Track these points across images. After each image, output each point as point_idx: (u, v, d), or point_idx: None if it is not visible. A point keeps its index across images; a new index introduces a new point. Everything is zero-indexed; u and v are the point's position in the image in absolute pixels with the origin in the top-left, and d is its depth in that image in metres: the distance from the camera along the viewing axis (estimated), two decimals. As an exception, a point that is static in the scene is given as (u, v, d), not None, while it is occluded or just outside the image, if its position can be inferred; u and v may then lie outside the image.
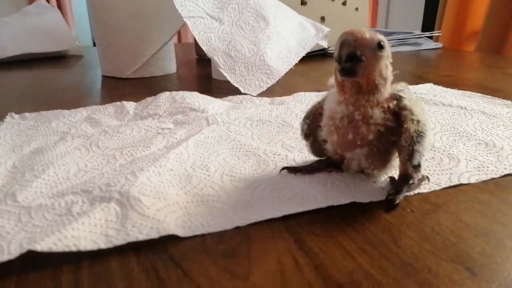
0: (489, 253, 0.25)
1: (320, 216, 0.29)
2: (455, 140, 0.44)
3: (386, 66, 0.30)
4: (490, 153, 0.41)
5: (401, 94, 0.31)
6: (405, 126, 0.30)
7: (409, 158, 0.30)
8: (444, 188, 0.34)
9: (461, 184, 0.34)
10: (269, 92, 0.66)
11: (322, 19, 1.01)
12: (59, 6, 2.74)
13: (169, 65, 0.84)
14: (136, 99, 0.58)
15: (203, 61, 1.03)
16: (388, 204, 0.31)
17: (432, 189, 0.33)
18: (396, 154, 0.33)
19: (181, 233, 0.27)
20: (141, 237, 0.26)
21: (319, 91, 0.67)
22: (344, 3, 1.06)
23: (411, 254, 0.25)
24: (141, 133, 0.46)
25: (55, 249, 0.25)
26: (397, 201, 0.30)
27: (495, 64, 0.94)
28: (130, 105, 0.55)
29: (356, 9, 1.10)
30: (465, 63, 1.03)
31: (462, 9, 1.52)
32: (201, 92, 0.60)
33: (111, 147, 0.43)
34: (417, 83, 0.72)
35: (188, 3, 0.65)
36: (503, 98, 0.60)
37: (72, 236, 0.26)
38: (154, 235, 0.26)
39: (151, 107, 0.54)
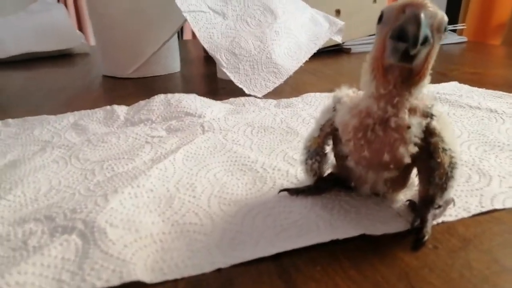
0: (537, 312, 0.20)
1: (321, 253, 0.24)
2: (486, 151, 0.38)
3: None
4: (527, 167, 0.35)
5: (433, 112, 0.25)
6: (438, 160, 0.24)
7: (442, 193, 0.25)
8: (474, 215, 0.28)
9: (495, 210, 0.28)
10: (276, 93, 0.61)
11: (337, 12, 0.95)
12: (75, 1, 2.72)
13: (172, 63, 0.80)
14: (133, 101, 0.54)
15: (210, 59, 0.97)
16: (415, 241, 0.25)
17: (460, 216, 0.28)
18: (414, 171, 0.28)
19: (148, 278, 0.22)
20: (99, 284, 0.21)
21: (331, 91, 0.61)
22: (360, -5, 0.99)
23: (435, 312, 0.20)
24: (128, 143, 0.42)
25: (-9, 301, 0.20)
26: (426, 237, 0.25)
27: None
28: (121, 110, 0.51)
29: (375, 1, 1.03)
30: (492, 58, 0.95)
31: (488, 2, 1.43)
32: (204, 92, 0.56)
33: (92, 160, 0.38)
34: (440, 82, 0.66)
35: (189, -3, 0.60)
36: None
37: (17, 283, 0.21)
38: (115, 281, 0.21)
39: (144, 112, 0.49)
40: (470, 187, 0.31)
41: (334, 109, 0.27)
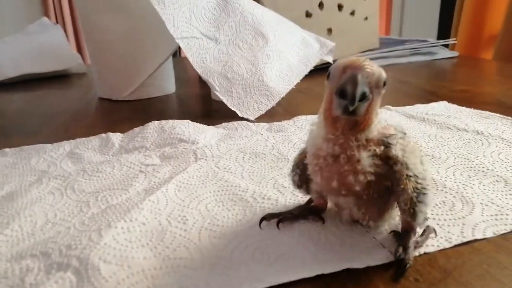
0: None
1: (306, 285, 0.25)
2: (470, 177, 0.39)
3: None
4: (510, 193, 0.36)
5: (389, 140, 0.26)
6: (402, 186, 0.26)
7: (412, 219, 0.26)
8: (455, 246, 0.29)
9: (476, 240, 0.29)
10: (269, 115, 0.62)
11: (329, 31, 0.97)
12: (73, 22, 2.74)
13: (167, 85, 0.81)
14: (129, 125, 0.55)
15: (206, 77, 0.99)
16: (397, 269, 0.26)
17: (441, 246, 0.29)
18: (395, 202, 0.29)
19: (138, 317, 0.23)
20: (91, 324, 0.22)
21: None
22: (352, 13, 1.01)
23: None
24: (122, 172, 0.43)
25: None
26: (408, 264, 0.26)
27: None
28: (116, 137, 0.52)
29: (366, 18, 1.05)
30: (482, 74, 0.97)
31: (479, 15, 1.45)
32: (198, 114, 0.57)
33: (87, 191, 0.39)
34: (430, 101, 0.67)
35: (181, 23, 0.61)
36: (524, 119, 0.55)
37: (12, 323, 0.22)
38: (106, 321, 0.22)
39: (138, 139, 0.50)
40: (453, 215, 0.32)
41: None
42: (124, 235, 0.30)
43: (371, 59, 1.09)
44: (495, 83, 0.85)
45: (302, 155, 0.31)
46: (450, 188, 0.37)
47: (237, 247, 0.29)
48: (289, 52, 0.70)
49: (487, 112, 0.59)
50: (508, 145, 0.46)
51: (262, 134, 0.53)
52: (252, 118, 0.61)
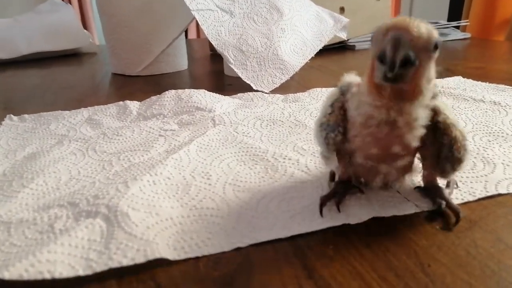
0: (540, 284, 0.21)
1: (334, 235, 0.25)
2: (490, 141, 0.39)
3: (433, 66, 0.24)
4: (531, 155, 0.36)
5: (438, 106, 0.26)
6: (453, 135, 0.25)
7: (458, 166, 0.26)
8: (479, 199, 0.29)
9: (500, 195, 0.29)
10: (283, 89, 0.62)
11: (342, 9, 0.96)
12: (80, 1, 2.74)
13: (180, 61, 0.81)
14: (143, 97, 0.55)
15: (217, 57, 0.99)
16: (445, 218, 0.27)
17: (465, 199, 0.29)
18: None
19: (171, 256, 0.23)
20: (125, 261, 0.23)
21: (336, 86, 0.62)
22: (364, -7, 1.00)
23: (443, 284, 0.21)
24: (142, 136, 0.43)
25: (26, 276, 0.22)
26: (460, 212, 0.26)
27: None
28: (133, 105, 0.52)
29: (378, -2, 1.04)
30: (495, 53, 0.96)
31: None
32: (211, 89, 0.57)
33: (109, 152, 0.39)
34: (444, 76, 0.67)
35: (197, -5, 0.61)
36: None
37: (48, 260, 0.23)
38: (140, 259, 0.23)
39: (156, 107, 0.50)
40: (475, 174, 0.32)
41: (342, 92, 0.27)
42: (150, 187, 0.31)
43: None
44: (508, 61, 0.84)
45: (335, 114, 0.27)
46: (470, 150, 0.37)
47: (262, 200, 0.29)
48: (303, 27, 0.70)
49: (503, 85, 0.59)
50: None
51: (277, 104, 0.53)
52: (266, 90, 0.61)
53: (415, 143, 0.25)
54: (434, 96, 0.26)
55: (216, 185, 0.32)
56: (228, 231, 0.26)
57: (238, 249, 0.24)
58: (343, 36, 0.77)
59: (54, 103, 0.59)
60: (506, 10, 1.42)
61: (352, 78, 0.28)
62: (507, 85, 0.59)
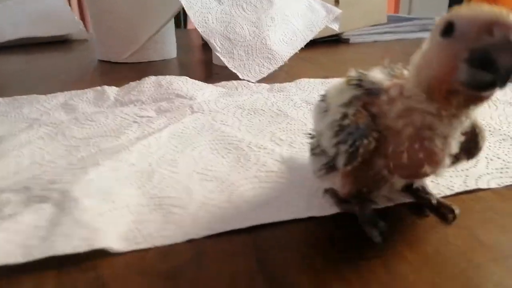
0: (508, 284, 0.19)
1: (298, 228, 0.24)
2: (476, 135, 0.38)
3: None
4: (517, 151, 0.34)
5: None
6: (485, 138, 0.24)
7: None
8: (458, 194, 0.27)
9: (480, 189, 0.28)
10: (271, 79, 0.60)
11: (336, 2, 0.94)
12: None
13: (169, 49, 0.79)
14: (128, 83, 0.53)
15: (208, 46, 0.97)
16: (439, 214, 0.25)
17: (443, 194, 0.27)
18: None
19: (120, 246, 0.22)
20: (68, 249, 0.21)
21: (326, 77, 0.60)
22: (361, -15, 0.98)
23: (404, 283, 0.19)
24: (116, 122, 0.41)
25: (-42, 263, 0.20)
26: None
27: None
28: (111, 90, 0.50)
29: (375, -9, 1.02)
30: None
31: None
32: (198, 78, 0.55)
33: (78, 137, 0.38)
34: None
35: (183, -20, 0.59)
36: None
37: (-14, 246, 0.21)
38: (83, 248, 0.21)
39: (134, 93, 0.49)
40: (456, 168, 0.31)
41: (369, 92, 0.22)
42: (112, 173, 0.29)
43: (378, 33, 1.04)
44: None
45: (364, 117, 0.21)
46: (454, 144, 0.35)
47: (227, 189, 0.28)
48: (294, 16, 0.68)
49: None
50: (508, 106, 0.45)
51: (262, 94, 0.51)
52: (253, 80, 0.59)
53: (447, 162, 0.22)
54: None
55: (182, 173, 0.30)
56: (184, 222, 0.24)
57: (192, 241, 0.22)
58: (335, 27, 0.75)
59: (34, 88, 0.58)
60: (506, 6, 1.40)
61: (378, 75, 0.23)
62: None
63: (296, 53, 0.66)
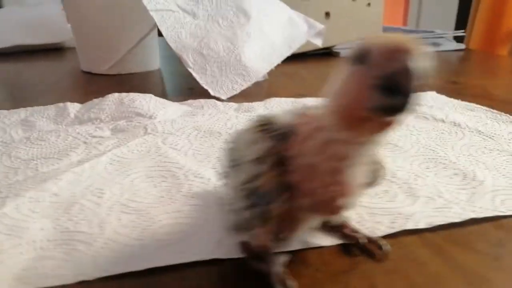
0: None
1: (206, 271, 0.23)
2: (428, 168, 0.36)
3: None
4: (464, 188, 0.33)
5: None
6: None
7: None
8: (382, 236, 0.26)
9: (406, 232, 0.27)
10: (244, 96, 0.59)
11: (327, 15, 0.93)
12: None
13: (151, 61, 0.79)
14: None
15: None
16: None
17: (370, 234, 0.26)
18: None
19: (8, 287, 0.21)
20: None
21: (300, 96, 0.59)
22: (353, -2, 0.97)
23: None
24: (65, 142, 0.41)
25: None
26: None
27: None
28: (73, 107, 0.50)
29: (368, 4, 1.00)
30: (484, 68, 0.92)
31: (496, 9, 1.37)
32: (176, 92, 0.55)
33: (23, 158, 0.38)
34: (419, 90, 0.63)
35: (157, -5, 0.59)
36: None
37: None
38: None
39: (95, 110, 0.48)
40: (391, 205, 0.30)
41: (281, 137, 0.21)
42: (30, 204, 0.29)
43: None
44: (494, 77, 0.80)
45: (272, 177, 0.20)
46: (399, 178, 0.34)
47: (142, 224, 0.27)
48: (272, 32, 0.67)
49: (473, 104, 0.55)
50: (483, 139, 0.43)
51: (227, 113, 0.51)
52: (224, 97, 0.58)
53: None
54: None
55: (104, 205, 0.29)
56: (83, 260, 0.23)
57: (83, 282, 0.22)
58: (318, 43, 0.74)
59: (5, 100, 0.58)
60: (509, 22, 1.36)
61: (286, 116, 0.22)
62: (480, 103, 0.55)
63: (280, 68, 0.65)
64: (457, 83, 0.70)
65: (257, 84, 0.64)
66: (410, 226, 0.27)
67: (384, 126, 0.18)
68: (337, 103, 0.19)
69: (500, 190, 0.32)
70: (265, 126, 0.22)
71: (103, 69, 0.74)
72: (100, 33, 0.71)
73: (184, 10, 0.61)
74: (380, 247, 0.24)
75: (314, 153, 0.20)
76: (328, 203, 0.21)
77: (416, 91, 0.17)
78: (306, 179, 0.20)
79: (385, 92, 0.17)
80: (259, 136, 0.21)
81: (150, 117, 0.48)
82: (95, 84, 0.68)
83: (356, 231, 0.26)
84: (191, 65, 0.60)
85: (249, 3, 0.65)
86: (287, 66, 0.68)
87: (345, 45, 0.98)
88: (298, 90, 0.65)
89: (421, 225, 0.27)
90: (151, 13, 0.58)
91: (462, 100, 0.58)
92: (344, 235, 0.26)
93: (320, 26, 0.72)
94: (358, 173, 0.21)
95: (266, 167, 0.20)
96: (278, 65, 0.68)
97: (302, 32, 0.70)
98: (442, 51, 1.02)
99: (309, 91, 0.63)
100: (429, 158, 0.38)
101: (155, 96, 0.52)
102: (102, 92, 0.60)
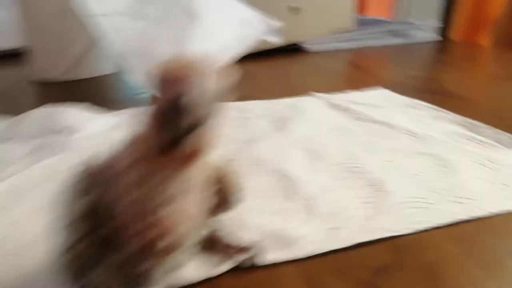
0: None
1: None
2: (341, 179, 0.35)
3: None
4: (369, 202, 0.31)
5: None
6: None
7: None
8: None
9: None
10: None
11: (293, 9, 0.91)
12: None
13: (106, 65, 0.77)
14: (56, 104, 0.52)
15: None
16: None
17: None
18: None
19: None
20: None
21: (244, 99, 0.58)
22: (321, -10, 0.94)
23: None
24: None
25: None
26: None
27: (479, 63, 0.80)
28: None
29: (338, -4, 0.98)
30: (448, 59, 0.88)
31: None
32: (118, 98, 0.53)
33: None
34: (373, 87, 0.61)
35: (93, 1, 0.57)
36: (456, 106, 0.49)
37: None
38: None
39: (15, 128, 0.47)
40: (285, 224, 0.28)
41: (89, 188, 0.20)
42: None
43: (341, 41, 1.01)
44: (453, 69, 0.76)
45: (85, 246, 0.20)
46: (306, 193, 0.32)
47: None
48: (223, 32, 0.65)
49: (417, 102, 0.53)
50: (414, 141, 0.41)
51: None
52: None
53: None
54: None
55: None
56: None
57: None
58: (275, 40, 0.72)
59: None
60: (494, 10, 1.31)
61: (113, 156, 0.21)
62: (430, 98, 0.53)
63: (242, 68, 0.63)
64: (416, 77, 0.68)
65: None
66: (292, 255, 0.25)
67: (184, 158, 0.18)
68: (146, 135, 0.18)
69: (407, 203, 0.31)
70: (83, 181, 0.21)
71: (56, 74, 0.72)
72: (52, 38, 0.70)
73: (126, 14, 0.60)
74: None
75: (129, 193, 0.19)
76: (154, 244, 0.19)
77: (188, 126, 0.16)
78: (128, 222, 0.19)
79: (170, 120, 0.17)
80: (74, 195, 0.21)
81: (72, 133, 0.45)
82: (46, 92, 0.67)
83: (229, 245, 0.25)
84: (132, 69, 0.58)
85: (198, 4, 0.63)
86: (251, 65, 0.67)
87: (314, 40, 0.96)
88: (247, 91, 0.63)
89: (303, 254, 0.26)
90: (86, 20, 0.57)
91: (415, 95, 0.56)
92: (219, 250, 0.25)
93: (276, 24, 0.70)
94: (187, 204, 0.19)
95: (78, 236, 0.20)
96: (239, 64, 0.67)
97: (256, 31, 0.68)
98: (414, 43, 0.99)
99: (257, 92, 0.61)
100: (347, 167, 0.37)
101: (84, 109, 0.51)
102: (52, 100, 0.59)
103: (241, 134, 0.45)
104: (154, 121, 0.17)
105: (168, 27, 0.61)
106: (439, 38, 1.05)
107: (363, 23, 1.07)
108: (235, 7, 0.69)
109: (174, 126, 0.16)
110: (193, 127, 0.16)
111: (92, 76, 0.75)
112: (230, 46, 0.65)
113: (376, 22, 1.10)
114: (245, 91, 0.63)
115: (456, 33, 1.35)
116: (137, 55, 0.59)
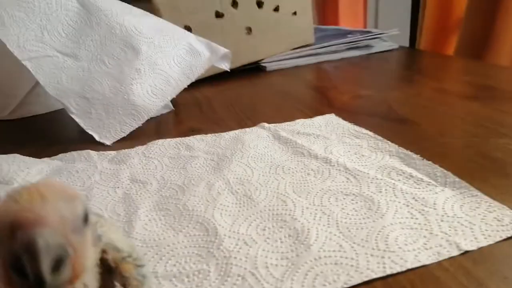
0: None
1: None
2: (262, 230, 0.34)
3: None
4: (286, 258, 0.30)
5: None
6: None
7: None
8: None
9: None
10: (137, 137, 0.57)
11: (249, 29, 0.90)
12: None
13: (54, 101, 0.76)
14: (4, 146, 0.53)
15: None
16: None
17: None
18: None
19: None
20: None
21: (192, 133, 0.57)
22: (276, 9, 0.93)
23: None
24: None
25: None
26: None
27: (437, 75, 0.80)
28: None
29: (294, 13, 0.98)
30: (403, 73, 0.89)
31: (443, 4, 1.33)
32: (77, 132, 0.53)
33: None
34: (322, 112, 0.61)
35: (30, 42, 0.56)
36: (400, 131, 0.49)
37: None
38: None
39: None
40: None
41: None
42: None
43: (300, 57, 1.01)
44: (407, 86, 0.75)
45: None
46: (223, 251, 0.32)
47: None
48: (168, 64, 0.64)
49: (360, 129, 0.53)
50: (345, 180, 0.41)
51: (97, 168, 0.48)
52: (108, 142, 0.56)
53: None
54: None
55: None
56: None
57: None
58: (224, 67, 0.72)
59: None
60: (455, 20, 1.32)
61: None
62: (375, 124, 0.53)
63: (191, 93, 0.63)
64: (367, 98, 0.68)
65: (153, 120, 0.62)
66: None
67: None
68: None
69: (324, 258, 0.30)
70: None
71: (3, 115, 0.71)
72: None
73: (64, 54, 0.59)
74: None
75: None
76: None
77: (53, 265, 0.15)
78: None
79: (16, 271, 0.15)
80: None
81: (7, 183, 0.45)
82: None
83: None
84: (73, 110, 0.57)
85: (137, 37, 0.63)
86: (204, 91, 0.66)
87: (273, 58, 0.95)
88: (195, 123, 0.63)
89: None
90: (24, 62, 0.56)
91: (362, 121, 0.56)
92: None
93: (223, 50, 0.69)
94: None
95: None
96: (192, 90, 0.66)
97: (202, 60, 0.67)
98: (376, 53, 0.99)
99: (206, 124, 0.61)
100: (272, 215, 0.36)
101: (20, 156, 0.50)
102: (4, 140, 0.59)
103: (178, 178, 0.44)
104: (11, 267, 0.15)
105: (106, 64, 0.61)
106: (405, 47, 1.05)
107: (322, 36, 1.07)
108: (179, 36, 0.69)
109: (35, 273, 0.15)
110: (61, 263, 0.15)
111: (43, 112, 0.74)
112: (175, 79, 0.64)
113: (337, 33, 1.10)
114: (193, 123, 0.62)
115: (422, 42, 1.37)
116: (78, 94, 0.58)
